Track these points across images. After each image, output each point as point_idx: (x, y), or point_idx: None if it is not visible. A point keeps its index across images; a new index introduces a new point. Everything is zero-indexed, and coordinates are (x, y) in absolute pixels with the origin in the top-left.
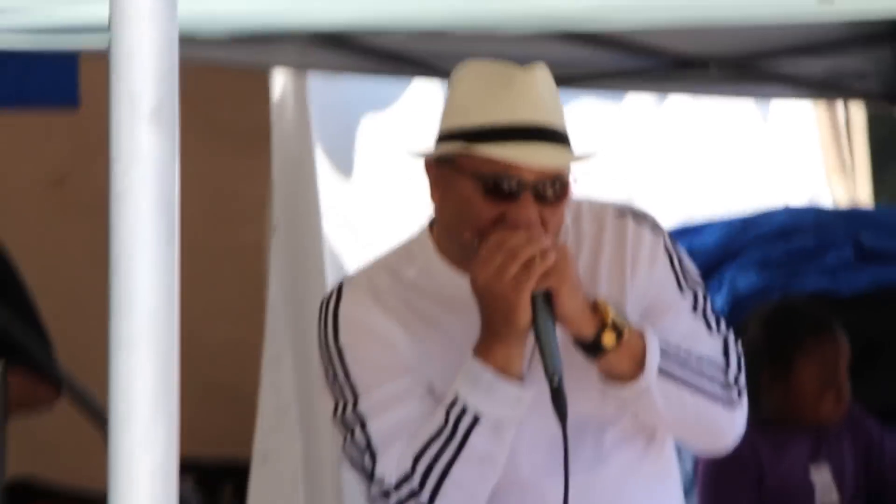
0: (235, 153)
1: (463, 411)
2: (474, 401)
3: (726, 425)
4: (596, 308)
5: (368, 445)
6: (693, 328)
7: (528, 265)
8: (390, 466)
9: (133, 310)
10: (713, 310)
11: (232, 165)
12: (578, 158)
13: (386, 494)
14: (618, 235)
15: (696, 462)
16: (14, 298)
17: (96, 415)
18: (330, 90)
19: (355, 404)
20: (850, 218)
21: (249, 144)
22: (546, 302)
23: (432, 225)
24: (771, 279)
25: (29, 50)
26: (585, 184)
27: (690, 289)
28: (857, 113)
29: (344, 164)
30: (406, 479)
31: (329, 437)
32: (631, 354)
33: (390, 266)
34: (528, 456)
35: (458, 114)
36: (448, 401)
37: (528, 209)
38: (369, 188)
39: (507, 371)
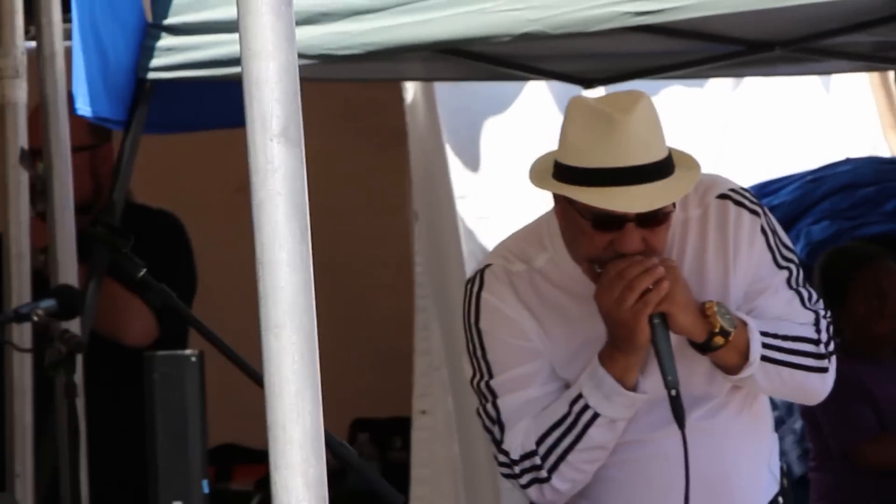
0: (381, 152)
1: (585, 408)
2: (595, 402)
3: (819, 387)
4: (705, 314)
5: (498, 418)
6: (789, 303)
7: (645, 296)
8: (516, 442)
9: (277, 299)
10: (806, 284)
11: (379, 163)
12: (669, 194)
13: (511, 464)
14: (721, 219)
15: None
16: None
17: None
18: (455, 95)
19: (489, 380)
20: None
21: (392, 144)
22: (662, 322)
23: None
24: (840, 227)
25: (197, 78)
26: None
27: (786, 265)
28: None
29: (471, 159)
30: (530, 455)
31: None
32: (737, 349)
33: (524, 253)
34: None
35: (565, 153)
36: (573, 395)
37: (633, 237)
38: (495, 179)
39: (624, 379)
